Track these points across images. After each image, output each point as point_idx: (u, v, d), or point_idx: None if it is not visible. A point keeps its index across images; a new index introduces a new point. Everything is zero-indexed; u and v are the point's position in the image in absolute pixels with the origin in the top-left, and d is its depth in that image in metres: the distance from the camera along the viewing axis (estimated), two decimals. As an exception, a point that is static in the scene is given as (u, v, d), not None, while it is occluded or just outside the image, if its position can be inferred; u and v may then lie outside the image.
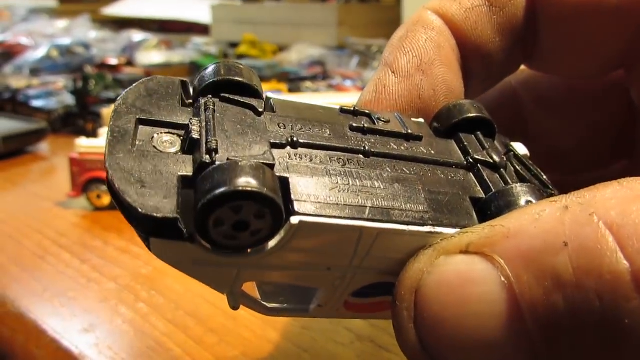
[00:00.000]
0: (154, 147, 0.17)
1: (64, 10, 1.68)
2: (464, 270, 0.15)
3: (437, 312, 0.16)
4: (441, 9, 0.25)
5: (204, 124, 0.17)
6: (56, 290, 0.36)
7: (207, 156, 0.16)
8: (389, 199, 0.17)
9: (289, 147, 0.17)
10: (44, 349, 0.31)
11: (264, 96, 0.19)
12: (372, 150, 0.19)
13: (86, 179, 0.48)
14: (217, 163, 0.15)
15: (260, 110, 0.18)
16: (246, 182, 0.14)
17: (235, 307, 0.18)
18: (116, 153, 0.16)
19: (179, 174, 0.16)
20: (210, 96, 0.18)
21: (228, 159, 0.15)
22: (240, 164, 0.15)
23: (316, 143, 0.18)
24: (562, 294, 0.14)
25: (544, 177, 0.20)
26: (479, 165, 0.20)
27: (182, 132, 0.17)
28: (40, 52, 0.99)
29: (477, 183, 0.19)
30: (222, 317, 0.32)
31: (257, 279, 0.19)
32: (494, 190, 0.18)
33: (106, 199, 0.48)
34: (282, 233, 0.16)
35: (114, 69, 0.96)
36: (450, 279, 0.16)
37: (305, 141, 0.18)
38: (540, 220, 0.15)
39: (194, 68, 1.01)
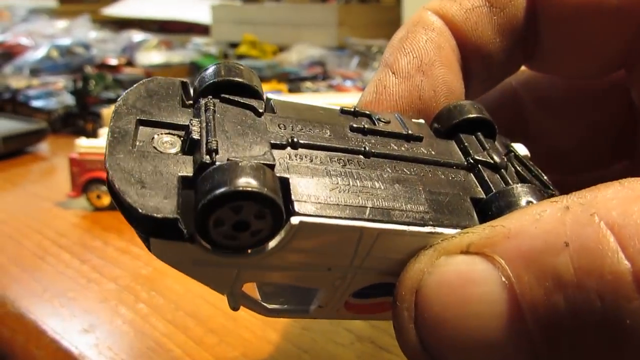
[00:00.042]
0: (154, 147, 0.17)
1: (64, 11, 1.68)
2: (465, 270, 0.15)
3: (438, 312, 0.15)
4: (441, 10, 0.25)
5: (204, 124, 0.17)
6: (56, 291, 0.36)
7: (208, 156, 0.15)
8: (390, 200, 0.17)
9: (289, 148, 0.17)
10: (43, 349, 0.31)
11: (264, 97, 0.19)
12: (373, 150, 0.18)
13: (86, 179, 0.48)
14: (218, 163, 0.15)
15: (261, 110, 0.18)
16: (246, 182, 0.14)
17: (235, 308, 0.18)
18: (116, 153, 0.16)
19: (179, 174, 0.16)
20: (211, 97, 0.18)
21: (228, 160, 0.15)
22: (240, 164, 0.15)
23: (316, 144, 0.18)
24: (563, 295, 0.14)
25: (545, 177, 0.20)
26: (479, 165, 0.20)
27: (182, 133, 0.17)
28: (40, 53, 0.99)
29: (477, 183, 0.19)
30: (222, 318, 0.32)
31: (257, 280, 0.19)
32: (494, 190, 0.18)
33: (106, 199, 0.48)
34: (282, 233, 0.16)
35: (114, 69, 0.96)
36: (450, 279, 0.16)
37: (306, 142, 0.18)
38: (541, 221, 0.15)
39: (194, 68, 1.01)
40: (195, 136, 0.16)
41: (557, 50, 0.26)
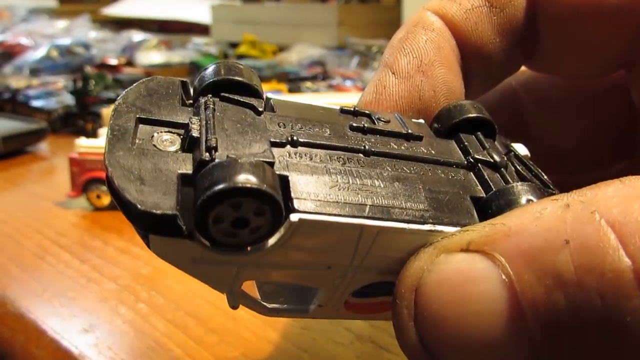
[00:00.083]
0: (154, 145, 0.17)
1: (64, 11, 1.68)
2: (465, 268, 0.15)
3: (438, 310, 0.15)
4: (441, 10, 0.25)
5: (203, 122, 0.17)
6: (56, 291, 0.36)
7: (207, 154, 0.15)
8: (389, 198, 0.17)
9: (288, 146, 0.17)
10: (43, 349, 0.31)
11: (264, 96, 0.19)
12: (372, 149, 0.18)
13: (86, 179, 0.48)
14: (217, 160, 0.15)
15: (260, 109, 0.18)
16: (246, 178, 0.14)
17: (234, 307, 0.18)
18: (116, 151, 0.16)
19: (179, 171, 0.16)
20: (210, 95, 0.18)
21: (227, 157, 0.15)
22: (240, 161, 0.15)
23: (316, 142, 0.18)
24: (563, 293, 0.14)
25: (545, 177, 0.20)
26: (479, 164, 0.20)
27: (182, 131, 0.17)
28: (40, 52, 0.99)
29: (477, 182, 0.19)
30: (223, 318, 0.32)
31: (256, 278, 0.19)
32: (494, 189, 0.18)
33: (106, 199, 0.48)
34: (281, 231, 0.16)
35: (113, 69, 0.96)
36: (450, 277, 0.16)
37: (305, 140, 0.18)
38: (542, 219, 0.15)
39: (194, 68, 1.01)
40: (195, 134, 0.16)
41: (557, 50, 0.26)
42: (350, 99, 0.61)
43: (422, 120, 0.22)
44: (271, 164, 0.16)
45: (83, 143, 0.49)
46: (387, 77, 0.23)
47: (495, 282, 0.15)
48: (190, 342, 0.30)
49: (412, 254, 0.17)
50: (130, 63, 1.05)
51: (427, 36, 0.24)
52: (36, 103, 0.75)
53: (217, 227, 0.15)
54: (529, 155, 0.22)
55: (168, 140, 0.17)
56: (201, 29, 1.44)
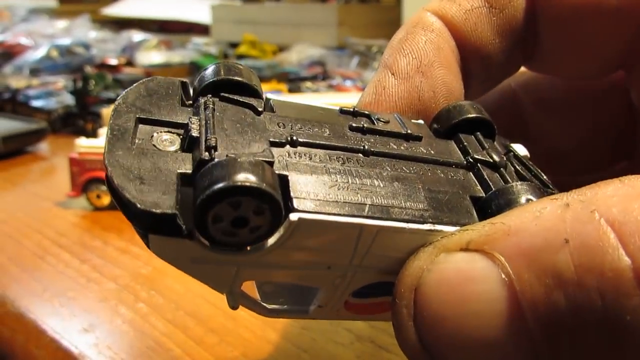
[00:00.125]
0: (154, 145, 0.17)
1: (64, 10, 1.68)
2: (464, 268, 0.15)
3: (437, 310, 0.15)
4: (440, 11, 0.25)
5: (203, 122, 0.17)
6: (56, 290, 0.36)
7: (207, 153, 0.15)
8: (389, 197, 0.17)
9: (288, 146, 0.17)
10: (43, 348, 0.31)
11: (264, 96, 0.20)
12: (372, 149, 0.18)
13: (86, 179, 0.48)
14: (216, 160, 0.15)
15: (260, 109, 0.19)
16: (245, 177, 0.14)
17: (234, 307, 0.18)
18: (115, 150, 0.16)
19: (178, 171, 0.16)
20: (210, 96, 0.18)
21: (227, 156, 0.15)
22: (239, 160, 0.15)
23: (315, 142, 0.18)
24: (563, 292, 0.14)
25: (544, 177, 0.20)
26: (478, 164, 0.20)
27: (181, 132, 0.17)
28: (40, 52, 0.99)
29: (477, 182, 0.19)
30: (222, 318, 0.32)
31: (256, 278, 0.19)
32: (494, 189, 0.18)
33: (106, 199, 0.48)
34: (281, 230, 0.16)
35: (113, 69, 0.96)
36: (450, 276, 0.16)
37: (305, 140, 0.18)
38: (541, 218, 0.15)
39: (194, 68, 1.01)
40: (195, 134, 0.16)
41: (557, 51, 0.26)
42: (350, 99, 0.61)
43: (421, 121, 0.22)
44: (270, 164, 0.16)
45: (83, 143, 0.49)
46: (386, 77, 0.23)
47: (494, 282, 0.15)
48: (190, 342, 0.30)
49: (412, 253, 0.17)
50: (130, 63, 1.05)
51: (427, 37, 0.24)
52: (36, 103, 0.75)
53: (217, 226, 0.15)
54: (528, 155, 0.22)
55: (168, 140, 0.17)
56: (201, 29, 1.44)
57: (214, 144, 0.16)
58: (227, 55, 1.16)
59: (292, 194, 0.16)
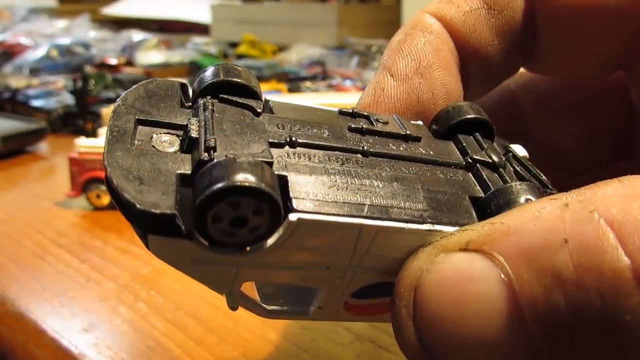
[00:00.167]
0: (153, 146, 0.17)
1: (63, 10, 1.68)
2: (464, 268, 0.15)
3: (436, 310, 0.15)
4: (439, 13, 0.25)
5: (202, 123, 0.17)
6: (56, 290, 0.36)
7: (206, 154, 0.16)
8: (388, 197, 0.17)
9: (287, 147, 0.17)
10: (43, 348, 0.31)
11: (263, 97, 0.20)
12: (371, 150, 0.19)
13: (86, 178, 0.48)
14: (215, 160, 0.15)
15: (259, 110, 0.19)
16: (244, 177, 0.14)
17: (234, 308, 0.18)
18: (115, 151, 0.16)
19: (178, 172, 0.16)
20: (209, 97, 0.18)
21: (226, 157, 0.15)
22: (238, 160, 0.15)
23: (315, 143, 0.18)
24: (562, 292, 0.14)
25: (543, 177, 0.20)
26: (477, 165, 0.20)
27: (181, 133, 0.17)
28: (40, 52, 0.99)
29: (476, 182, 0.19)
30: (222, 318, 0.32)
31: (256, 279, 0.19)
32: (493, 189, 0.18)
33: (105, 199, 0.48)
34: (280, 231, 0.16)
35: (113, 68, 0.96)
36: (449, 276, 0.16)
37: (304, 141, 0.18)
38: (540, 218, 0.15)
39: (194, 68, 1.01)
40: (194, 135, 0.16)
41: (556, 51, 0.26)
42: (349, 98, 0.61)
43: (420, 122, 0.22)
44: (270, 164, 0.16)
45: (83, 143, 0.49)
46: (385, 79, 0.23)
47: (494, 282, 0.15)
48: (190, 342, 0.30)
49: (411, 253, 0.17)
50: (130, 63, 1.05)
51: (426, 38, 0.24)
52: (36, 103, 0.75)
53: (216, 226, 0.15)
54: (527, 156, 0.22)
55: (167, 141, 0.17)
56: (201, 29, 1.44)
57: (213, 145, 0.16)
58: (226, 55, 1.16)
59: (291, 194, 0.16)
